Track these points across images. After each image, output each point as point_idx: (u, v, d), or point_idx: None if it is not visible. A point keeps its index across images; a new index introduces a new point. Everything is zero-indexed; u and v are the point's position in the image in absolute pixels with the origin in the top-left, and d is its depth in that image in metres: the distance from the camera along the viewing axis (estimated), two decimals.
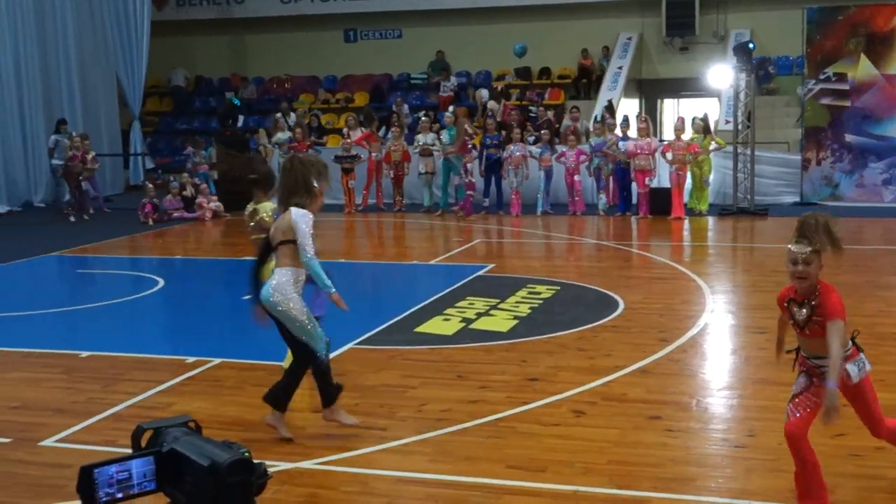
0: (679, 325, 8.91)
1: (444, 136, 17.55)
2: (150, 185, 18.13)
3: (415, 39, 24.70)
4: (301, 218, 6.03)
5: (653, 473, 5.49)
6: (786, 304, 4.85)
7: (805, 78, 17.65)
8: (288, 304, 6.03)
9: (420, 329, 8.94)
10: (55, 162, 18.73)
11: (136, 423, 2.11)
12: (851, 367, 4.74)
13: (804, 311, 4.73)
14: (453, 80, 23.72)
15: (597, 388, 7.05)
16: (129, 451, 2.04)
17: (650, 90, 24.42)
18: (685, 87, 23.23)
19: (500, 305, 9.78)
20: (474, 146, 17.35)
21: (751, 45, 17.09)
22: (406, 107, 22.00)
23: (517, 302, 9.90)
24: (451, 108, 20.59)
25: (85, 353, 8.39)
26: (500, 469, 5.59)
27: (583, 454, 5.78)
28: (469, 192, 17.13)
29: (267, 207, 7.51)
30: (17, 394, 7.33)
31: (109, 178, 21.31)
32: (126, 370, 7.87)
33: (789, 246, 4.72)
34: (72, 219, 17.49)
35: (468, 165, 17.07)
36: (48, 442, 6.25)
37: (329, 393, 6.22)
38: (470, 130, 17.22)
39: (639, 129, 16.94)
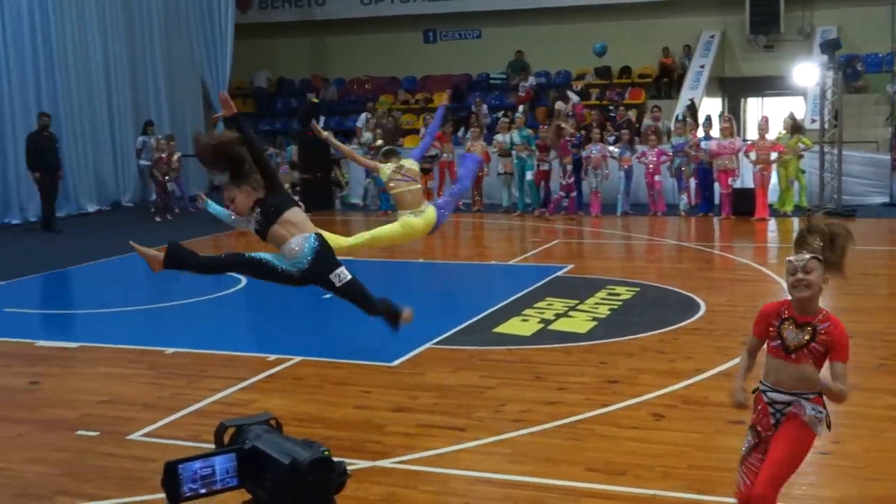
0: None
1: (515, 135, 17.53)
2: None
3: (494, 39, 24.67)
4: None
5: (734, 479, 5.40)
6: (776, 324, 4.26)
7: (894, 75, 17.21)
8: None
9: (498, 329, 8.94)
10: (142, 163, 19.16)
11: (219, 420, 2.16)
12: (814, 412, 4.20)
13: (803, 334, 4.18)
14: (532, 79, 23.64)
15: (677, 392, 6.97)
16: (213, 447, 2.08)
17: (733, 89, 24.03)
18: (769, 85, 22.81)
19: (579, 306, 9.73)
20: (572, 145, 17.21)
21: (839, 43, 16.74)
22: (485, 107, 22.00)
23: (596, 303, 9.84)
24: (521, 109, 20.56)
25: (170, 350, 8.56)
26: (579, 471, 5.56)
27: (662, 458, 5.72)
28: (561, 194, 17.05)
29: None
30: (105, 388, 7.51)
31: (194, 177, 21.71)
32: (209, 367, 8.02)
33: (788, 257, 4.26)
34: (157, 219, 17.87)
35: (568, 167, 16.95)
36: (135, 436, 6.39)
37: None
38: (571, 130, 17.12)
39: (722, 129, 16.70)
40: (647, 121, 19.10)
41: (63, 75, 19.05)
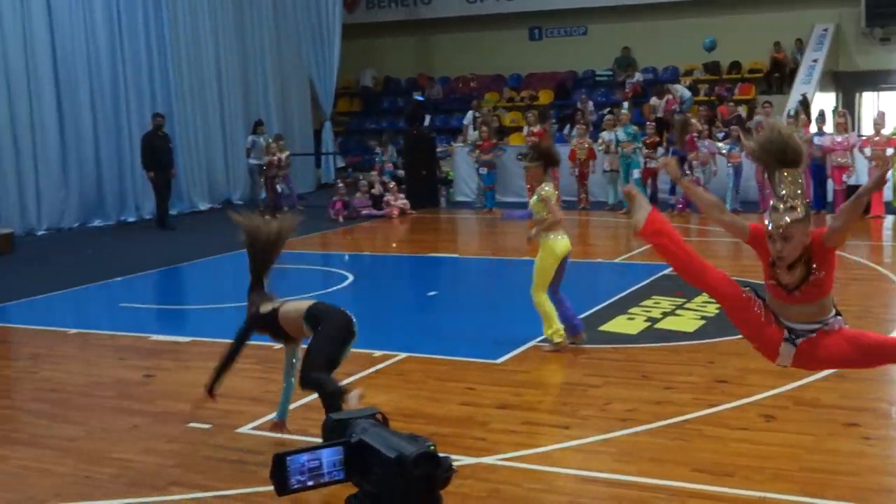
0: (877, 329, 8.48)
1: (620, 132, 17.33)
2: (341, 184, 18.67)
3: (600, 36, 24.46)
4: None
5: (848, 482, 5.26)
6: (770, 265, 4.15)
7: None
8: None
9: (604, 328, 8.86)
10: (252, 161, 19.54)
11: (326, 414, 2.18)
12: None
13: (796, 271, 4.02)
14: (639, 76, 23.37)
15: (788, 392, 6.81)
16: (319, 440, 2.10)
17: (848, 83, 23.34)
18: (886, 79, 22.11)
19: (687, 305, 9.58)
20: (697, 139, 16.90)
21: None
22: (591, 104, 21.82)
23: (704, 301, 9.66)
24: (625, 105, 20.32)
25: (278, 346, 8.69)
26: (686, 472, 5.47)
27: (773, 460, 5.59)
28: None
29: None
30: None
31: (302, 176, 22.05)
32: None
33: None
34: (266, 217, 18.17)
35: (693, 163, 16.64)
36: (244, 429, 6.53)
37: None
38: (698, 126, 16.83)
39: (836, 125, 16.23)
40: (757, 117, 18.67)
41: (177, 77, 19.55)
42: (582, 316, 9.28)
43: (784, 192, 4.00)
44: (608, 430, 6.22)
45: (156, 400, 7.24)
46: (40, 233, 16.92)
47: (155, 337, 9.26)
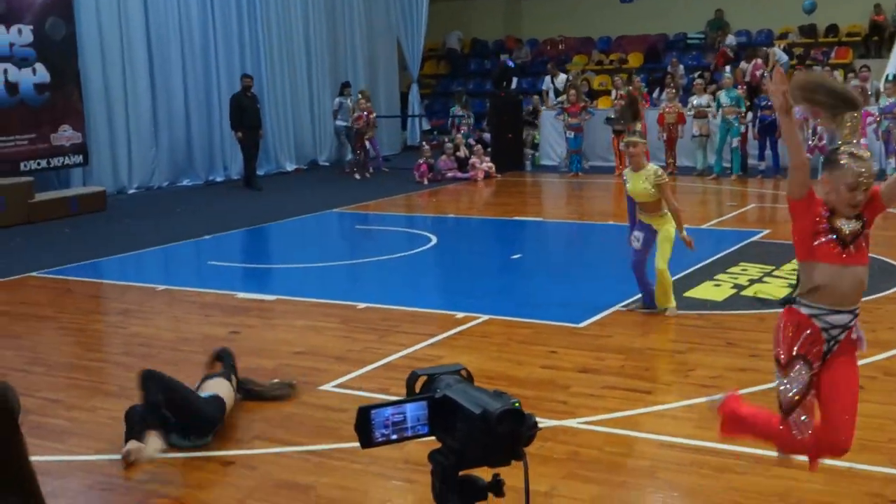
0: None
1: (723, 96, 16.96)
2: (426, 146, 18.69)
3: None
4: None
5: None
6: (825, 214, 3.95)
7: None
8: None
9: (689, 293, 8.75)
10: (339, 123, 19.67)
11: (408, 372, 2.19)
12: (862, 330, 3.93)
13: (853, 222, 3.88)
14: (731, 38, 22.87)
15: (878, 363, 6.65)
16: (403, 396, 2.11)
17: None
18: None
19: (775, 272, 9.40)
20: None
21: None
22: (681, 67, 21.44)
23: (793, 269, 9.46)
24: (727, 69, 19.88)
25: (362, 305, 8.79)
26: None
27: (860, 430, 5.41)
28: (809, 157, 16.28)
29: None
30: (300, 340, 7.79)
31: (387, 138, 22.13)
32: (399, 322, 8.19)
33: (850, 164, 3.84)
34: (357, 177, 18.30)
35: (819, 129, 16.18)
36: (327, 387, 6.60)
37: None
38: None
39: None
40: (854, 81, 18.14)
41: (265, 39, 19.71)
42: None
43: (854, 138, 3.88)
44: (690, 397, 6.15)
45: (241, 356, 7.33)
46: (131, 191, 17.29)
47: (241, 295, 9.40)
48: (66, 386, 6.85)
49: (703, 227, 12.45)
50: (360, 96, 18.99)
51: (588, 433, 5.64)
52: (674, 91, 17.76)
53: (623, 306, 8.37)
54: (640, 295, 8.34)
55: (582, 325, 7.91)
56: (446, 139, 19.87)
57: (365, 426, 1.97)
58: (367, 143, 18.71)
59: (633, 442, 5.52)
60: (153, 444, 5.26)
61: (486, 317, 8.20)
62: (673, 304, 8.06)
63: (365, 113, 18.53)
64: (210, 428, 5.64)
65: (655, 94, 20.03)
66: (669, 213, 7.92)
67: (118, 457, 5.43)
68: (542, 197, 17.19)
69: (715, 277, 9.31)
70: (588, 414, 5.92)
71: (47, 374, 7.14)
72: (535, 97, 20.74)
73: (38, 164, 15.36)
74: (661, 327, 7.77)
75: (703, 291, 8.81)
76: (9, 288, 10.10)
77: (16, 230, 13.49)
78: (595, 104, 20.13)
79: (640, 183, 7.97)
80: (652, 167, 8.04)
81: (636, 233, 8.09)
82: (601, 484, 4.97)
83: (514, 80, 23.89)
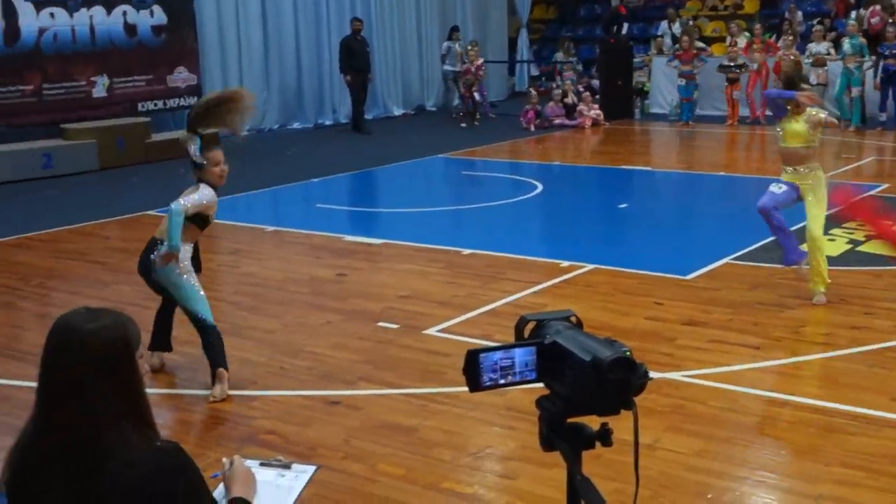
0: None
1: (846, 45, 16.35)
2: (534, 92, 18.51)
3: None
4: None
5: None
6: None
7: None
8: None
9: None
10: (446, 68, 19.61)
11: (511, 320, 2.18)
12: None
13: None
14: None
15: None
16: (509, 342, 2.10)
17: None
18: None
19: (893, 228, 9.08)
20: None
21: None
22: (800, 14, 20.70)
23: None
24: (853, 15, 19.13)
25: (467, 251, 8.81)
26: (883, 401, 5.25)
27: None
28: None
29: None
30: (405, 284, 7.85)
31: (495, 84, 21.98)
32: (503, 269, 8.18)
33: None
34: (463, 125, 18.24)
35: None
36: (431, 331, 6.66)
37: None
38: None
39: None
40: None
41: None
42: None
43: None
44: (800, 353, 6.02)
45: (348, 298, 7.47)
46: (243, 133, 17.54)
47: (348, 238, 9.51)
48: (179, 322, 7.02)
49: None
50: (470, 47, 18.84)
51: (693, 387, 5.58)
52: (791, 38, 17.20)
53: (733, 259, 8.21)
54: (750, 248, 8.10)
55: (689, 277, 7.80)
56: (554, 85, 19.64)
57: (473, 369, 1.97)
58: (474, 94, 18.62)
59: (739, 397, 5.43)
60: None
61: (591, 266, 8.14)
62: (823, 288, 7.02)
63: (472, 64, 18.43)
64: None
65: (772, 41, 19.41)
66: (820, 173, 7.12)
67: (229, 392, 5.58)
68: (651, 146, 16.91)
69: (830, 232, 9.02)
70: (693, 367, 5.85)
71: None
72: (648, 55, 20.23)
73: (155, 104, 15.71)
74: (770, 281, 7.60)
75: None
76: (126, 225, 10.41)
77: (133, 169, 13.86)
78: (709, 51, 19.61)
79: (794, 125, 7.10)
80: (809, 109, 7.26)
81: (780, 183, 7.39)
82: (706, 438, 4.91)
83: (625, 25, 23.42)
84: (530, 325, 2.10)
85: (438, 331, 6.67)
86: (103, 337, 2.19)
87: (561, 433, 2.00)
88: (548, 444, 2.03)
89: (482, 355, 1.97)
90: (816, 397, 5.35)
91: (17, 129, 14.06)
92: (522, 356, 2.01)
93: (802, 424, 5.07)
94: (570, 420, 2.00)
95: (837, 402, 5.26)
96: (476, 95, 18.65)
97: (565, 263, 8.23)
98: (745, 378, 5.69)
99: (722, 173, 12.74)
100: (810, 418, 5.11)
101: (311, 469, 2.88)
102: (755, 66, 17.19)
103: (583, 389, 1.91)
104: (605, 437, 2.00)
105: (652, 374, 5.68)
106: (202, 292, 5.80)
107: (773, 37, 18.37)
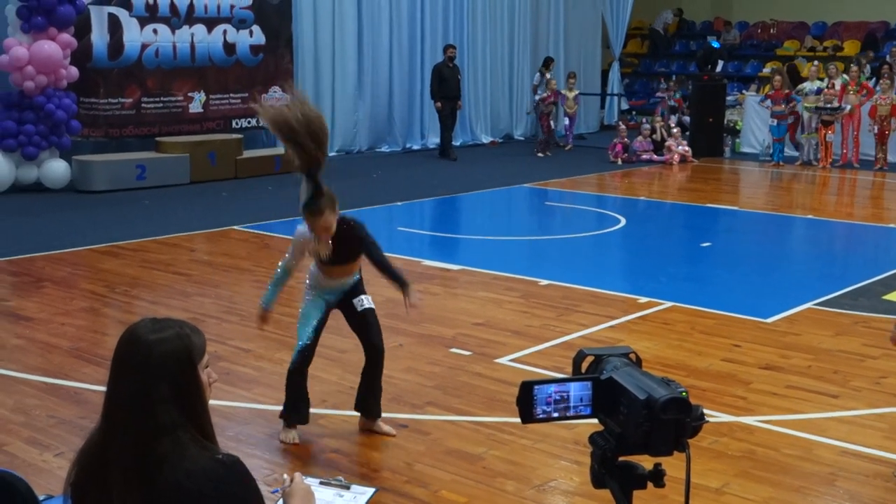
0: None
1: None
2: (623, 126, 18.42)
3: None
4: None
5: None
6: None
7: None
8: None
9: (889, 297, 8.31)
10: (538, 97, 19.65)
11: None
12: None
13: None
14: None
15: None
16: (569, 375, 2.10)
17: None
18: None
19: None
20: None
21: None
22: None
23: None
24: None
25: (544, 282, 8.78)
26: None
27: None
28: None
29: None
30: (481, 311, 7.85)
31: (585, 116, 21.93)
32: (580, 302, 8.13)
33: None
34: (539, 154, 18.24)
35: None
36: (503, 360, 6.64)
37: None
38: None
39: None
40: None
41: (470, 8, 19.84)
42: (868, 282, 8.79)
43: None
44: (880, 405, 5.86)
45: (422, 322, 7.49)
46: (332, 154, 17.79)
47: (426, 262, 9.56)
48: (256, 336, 7.14)
49: None
50: (550, 78, 18.88)
51: (766, 432, 5.47)
52: (889, 82, 16.84)
53: (816, 304, 8.04)
54: (835, 294, 7.96)
55: (770, 320, 7.65)
56: (644, 120, 19.51)
57: (526, 401, 1.97)
58: (550, 122, 18.65)
59: (814, 446, 5.30)
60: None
61: (669, 303, 8.05)
62: None
63: (551, 94, 18.47)
64: None
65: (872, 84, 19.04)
66: None
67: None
68: (739, 185, 16.66)
69: None
70: (768, 413, 5.73)
71: (240, 324, 7.47)
72: (743, 93, 19.99)
73: (248, 122, 16.01)
74: (854, 330, 7.42)
75: None
76: (213, 239, 10.62)
77: (223, 184, 14.14)
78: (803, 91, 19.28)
79: None
80: None
81: None
82: (776, 486, 4.81)
83: (720, 62, 23.19)
84: (588, 360, 2.09)
85: (510, 360, 6.65)
86: (165, 347, 2.25)
87: (612, 471, 1.99)
88: (598, 481, 2.01)
89: (536, 387, 1.98)
90: (894, 451, 5.20)
91: (115, 139, 14.47)
92: (578, 391, 2.00)
93: (879, 478, 4.93)
94: (622, 458, 1.99)
95: None
96: (552, 124, 18.67)
97: (643, 300, 8.15)
98: (821, 427, 5.55)
99: (811, 216, 12.50)
100: (887, 472, 4.97)
101: (371, 491, 2.90)
102: (848, 107, 16.86)
103: (636, 428, 1.89)
104: (657, 477, 1.98)
105: (724, 417, 5.61)
106: (310, 320, 5.53)
107: (872, 80, 18.00)
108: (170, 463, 2.19)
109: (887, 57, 19.92)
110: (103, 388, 2.38)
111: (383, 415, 5.49)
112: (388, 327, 7.35)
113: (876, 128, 16.60)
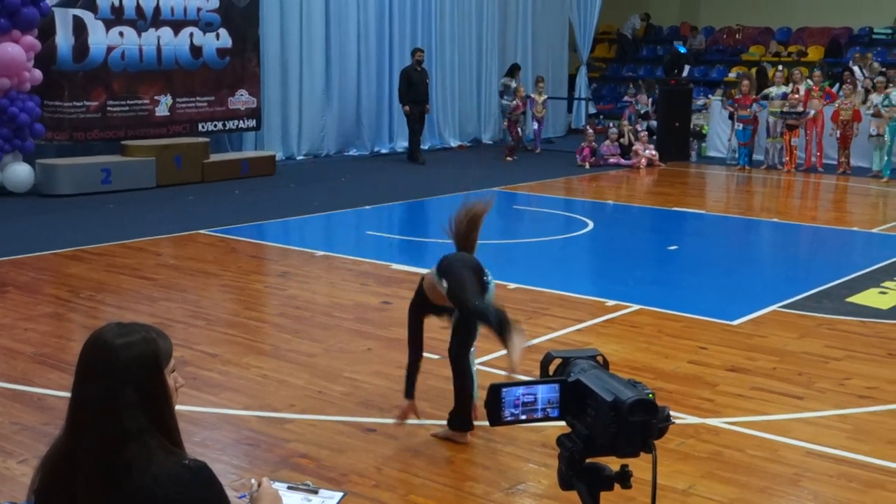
0: None
1: (893, 95, 16.14)
2: (590, 130, 18.50)
3: None
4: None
5: None
6: None
7: None
8: None
9: (853, 299, 8.41)
10: (505, 103, 19.68)
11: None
12: None
13: None
14: None
15: None
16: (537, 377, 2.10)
17: None
18: None
19: None
20: None
21: None
22: (875, 65, 20.49)
23: None
24: None
25: (512, 285, 8.80)
26: None
27: None
28: None
29: None
30: None
31: (553, 120, 22.00)
32: (548, 305, 8.16)
33: None
34: (508, 159, 18.30)
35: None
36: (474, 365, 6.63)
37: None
38: None
39: None
40: None
41: (438, 12, 19.83)
42: (832, 285, 8.87)
43: None
44: (844, 406, 5.92)
45: (390, 326, 7.48)
46: (300, 158, 17.75)
47: (395, 266, 9.55)
48: (223, 341, 7.11)
49: (874, 230, 11.95)
50: (520, 86, 18.96)
51: (732, 434, 5.51)
52: (852, 87, 17.03)
53: (781, 306, 8.11)
54: (799, 296, 8.06)
55: (736, 322, 7.71)
56: (611, 124, 19.60)
57: (495, 404, 1.98)
58: (518, 128, 18.76)
59: (779, 447, 5.35)
60: None
61: (637, 307, 8.09)
62: None
63: (520, 101, 18.58)
64: None
65: (835, 90, 19.26)
66: None
67: (266, 413, 5.61)
68: (706, 189, 16.78)
69: (882, 285, 8.91)
70: (734, 414, 5.78)
71: (207, 329, 7.43)
72: (709, 97, 20.14)
73: (215, 125, 15.93)
74: (818, 332, 7.50)
75: (868, 298, 8.44)
76: (179, 243, 10.55)
77: (190, 188, 14.06)
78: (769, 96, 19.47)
79: None
80: None
81: None
82: (741, 487, 4.84)
83: (687, 67, 23.37)
84: (556, 362, 2.10)
85: (479, 364, 6.64)
86: (131, 352, 2.23)
87: (580, 472, 2.00)
88: (566, 483, 2.02)
89: (504, 390, 1.98)
90: (857, 451, 5.25)
91: (80, 143, 14.35)
92: (546, 393, 2.01)
93: (843, 478, 4.98)
94: (589, 460, 2.00)
95: (881, 458, 5.16)
96: (519, 130, 18.76)
97: (611, 303, 8.19)
98: (786, 428, 5.61)
99: (776, 220, 12.61)
100: (851, 472, 5.02)
101: (338, 496, 2.90)
102: (812, 112, 17.03)
103: (603, 430, 1.91)
104: (624, 478, 2.00)
105: (691, 419, 5.65)
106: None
107: (835, 85, 18.21)
108: (136, 468, 2.18)
109: (850, 63, 20.16)
110: (68, 394, 2.36)
111: (353, 419, 5.47)
112: (358, 331, 7.38)
113: (838, 132, 16.78)
